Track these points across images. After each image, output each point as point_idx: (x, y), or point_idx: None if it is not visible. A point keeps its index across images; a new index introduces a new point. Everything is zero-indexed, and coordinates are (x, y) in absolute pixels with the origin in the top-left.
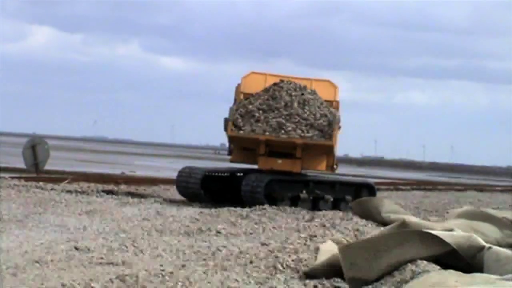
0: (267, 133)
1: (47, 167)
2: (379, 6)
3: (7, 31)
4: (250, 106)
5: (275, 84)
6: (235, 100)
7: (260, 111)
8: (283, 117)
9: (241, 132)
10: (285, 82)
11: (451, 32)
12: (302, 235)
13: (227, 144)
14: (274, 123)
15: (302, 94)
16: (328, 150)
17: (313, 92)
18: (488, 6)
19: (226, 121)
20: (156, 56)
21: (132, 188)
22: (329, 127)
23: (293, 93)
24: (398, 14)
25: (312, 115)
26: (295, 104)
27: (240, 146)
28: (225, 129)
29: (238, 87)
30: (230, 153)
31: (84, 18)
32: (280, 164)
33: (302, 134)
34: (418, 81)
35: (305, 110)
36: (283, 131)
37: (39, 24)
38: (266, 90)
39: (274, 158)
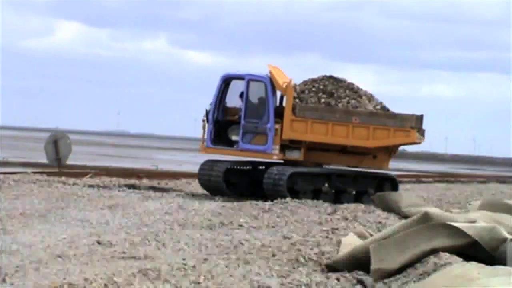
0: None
1: (69, 161)
2: None
3: (35, 27)
4: (370, 108)
5: (325, 79)
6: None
7: None
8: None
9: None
10: (335, 77)
11: (480, 24)
12: (324, 228)
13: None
14: None
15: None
16: None
17: None
18: None
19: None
20: (183, 51)
21: (154, 182)
22: (419, 124)
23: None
24: (426, 6)
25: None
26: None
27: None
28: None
29: (288, 84)
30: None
31: (112, 13)
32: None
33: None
34: (445, 73)
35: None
36: None
37: (66, 19)
38: (331, 85)
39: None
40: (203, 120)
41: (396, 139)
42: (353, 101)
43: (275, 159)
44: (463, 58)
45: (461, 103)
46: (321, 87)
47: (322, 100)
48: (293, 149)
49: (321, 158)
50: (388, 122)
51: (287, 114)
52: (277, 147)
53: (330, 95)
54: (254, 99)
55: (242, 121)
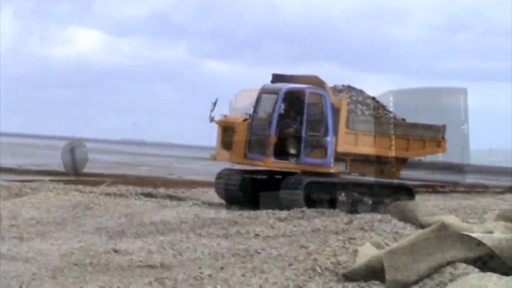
0: None
1: (86, 170)
2: (425, 8)
3: (54, 35)
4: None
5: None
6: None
7: None
8: None
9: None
10: (354, 87)
11: (498, 34)
12: (341, 238)
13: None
14: None
15: None
16: None
17: None
18: None
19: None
20: (202, 60)
21: (171, 191)
22: None
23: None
24: (444, 16)
25: None
26: None
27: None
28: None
29: (342, 96)
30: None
31: (131, 22)
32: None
33: None
34: (462, 83)
35: None
36: None
37: (86, 28)
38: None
39: None
40: (270, 136)
41: (430, 149)
42: (386, 112)
43: (332, 172)
44: (481, 68)
45: (478, 112)
46: (353, 98)
47: (367, 112)
48: (339, 160)
49: (356, 169)
50: (424, 133)
51: (342, 127)
52: (333, 159)
53: (367, 107)
54: (311, 112)
55: (304, 135)
